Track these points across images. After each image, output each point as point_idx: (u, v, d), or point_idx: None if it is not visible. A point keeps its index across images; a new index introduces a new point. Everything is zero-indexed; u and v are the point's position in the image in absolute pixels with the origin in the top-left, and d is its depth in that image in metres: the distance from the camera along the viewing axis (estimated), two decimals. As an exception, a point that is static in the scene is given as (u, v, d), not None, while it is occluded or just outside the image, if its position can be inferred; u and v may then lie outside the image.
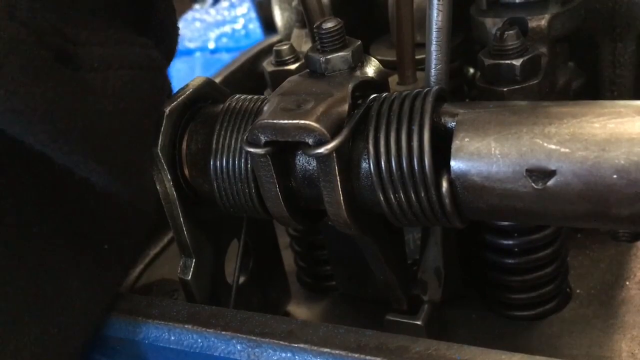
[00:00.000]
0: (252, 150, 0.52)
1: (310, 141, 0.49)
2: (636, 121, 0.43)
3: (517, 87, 0.60)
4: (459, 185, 0.48)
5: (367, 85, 0.54)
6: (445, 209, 0.48)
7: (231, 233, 0.70)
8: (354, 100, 0.52)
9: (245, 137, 0.53)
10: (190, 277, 0.64)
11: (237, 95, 0.63)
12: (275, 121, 0.51)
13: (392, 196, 0.50)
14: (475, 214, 0.50)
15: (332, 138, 0.48)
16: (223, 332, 0.57)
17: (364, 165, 0.51)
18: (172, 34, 0.64)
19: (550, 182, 0.45)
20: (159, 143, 0.59)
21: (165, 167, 0.60)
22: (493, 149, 0.47)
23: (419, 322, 0.65)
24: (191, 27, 2.66)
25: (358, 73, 0.54)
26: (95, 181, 0.53)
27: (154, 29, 0.61)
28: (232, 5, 2.71)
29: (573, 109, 0.46)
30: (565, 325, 0.68)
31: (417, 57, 0.66)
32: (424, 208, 0.49)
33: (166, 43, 0.63)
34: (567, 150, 0.44)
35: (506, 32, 0.60)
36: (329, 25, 0.54)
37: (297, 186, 0.56)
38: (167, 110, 0.60)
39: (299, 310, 0.79)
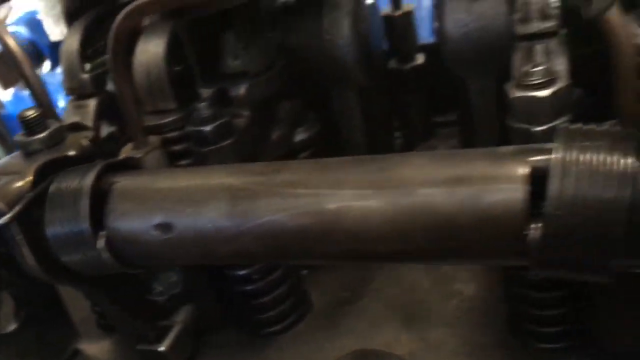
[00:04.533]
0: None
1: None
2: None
3: (212, 147, 0.72)
4: (114, 239, 0.60)
5: (63, 162, 0.66)
6: (104, 260, 0.60)
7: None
8: (43, 177, 0.63)
9: None
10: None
11: None
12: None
13: (68, 256, 0.61)
14: (135, 259, 0.61)
15: (10, 210, 0.60)
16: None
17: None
18: None
19: (172, 234, 0.57)
20: None
21: None
22: (132, 209, 0.59)
23: (162, 349, 0.76)
24: None
25: (55, 153, 0.66)
26: None
27: None
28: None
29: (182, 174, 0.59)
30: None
31: (149, 124, 0.78)
32: (91, 261, 0.61)
33: None
34: (179, 208, 0.57)
35: (201, 104, 0.73)
36: (28, 113, 0.66)
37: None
38: None
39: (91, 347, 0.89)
